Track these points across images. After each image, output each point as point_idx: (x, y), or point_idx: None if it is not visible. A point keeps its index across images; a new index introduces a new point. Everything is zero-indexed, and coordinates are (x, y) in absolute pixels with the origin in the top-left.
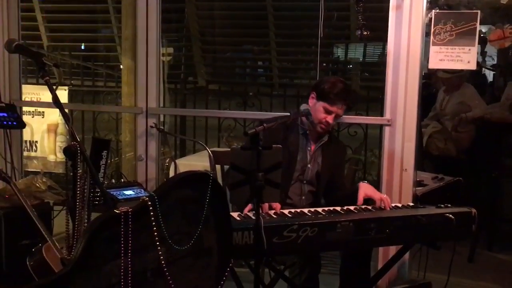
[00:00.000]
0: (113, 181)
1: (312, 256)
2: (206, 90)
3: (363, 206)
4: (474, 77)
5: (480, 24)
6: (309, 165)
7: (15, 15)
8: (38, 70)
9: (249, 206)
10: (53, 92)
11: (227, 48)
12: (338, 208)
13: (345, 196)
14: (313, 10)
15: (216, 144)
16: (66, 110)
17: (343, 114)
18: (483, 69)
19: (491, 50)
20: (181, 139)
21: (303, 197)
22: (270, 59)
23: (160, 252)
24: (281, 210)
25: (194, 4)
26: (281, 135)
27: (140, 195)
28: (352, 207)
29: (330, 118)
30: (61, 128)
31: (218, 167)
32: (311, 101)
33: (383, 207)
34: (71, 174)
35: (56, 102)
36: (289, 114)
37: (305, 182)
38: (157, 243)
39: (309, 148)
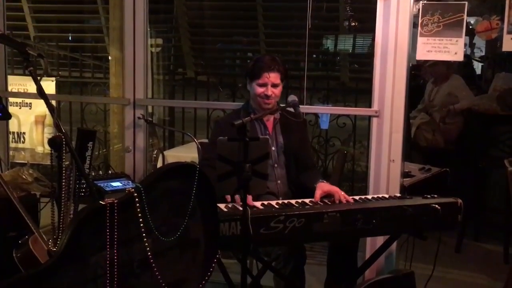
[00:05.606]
0: (101, 172)
1: (297, 248)
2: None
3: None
4: (462, 68)
5: (468, 15)
6: (273, 148)
7: (0, 5)
8: (22, 61)
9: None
10: (37, 83)
11: (216, 39)
12: (326, 199)
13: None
14: (301, 1)
15: (205, 136)
16: (53, 102)
17: (280, 82)
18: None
19: (480, 41)
20: (170, 131)
21: (279, 181)
22: (259, 50)
23: (147, 244)
24: (268, 202)
25: None
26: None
27: (128, 186)
28: None
29: (267, 90)
30: (49, 119)
31: None
32: (248, 88)
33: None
34: (57, 165)
35: (40, 93)
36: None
37: (276, 166)
38: (144, 234)
39: (267, 131)
